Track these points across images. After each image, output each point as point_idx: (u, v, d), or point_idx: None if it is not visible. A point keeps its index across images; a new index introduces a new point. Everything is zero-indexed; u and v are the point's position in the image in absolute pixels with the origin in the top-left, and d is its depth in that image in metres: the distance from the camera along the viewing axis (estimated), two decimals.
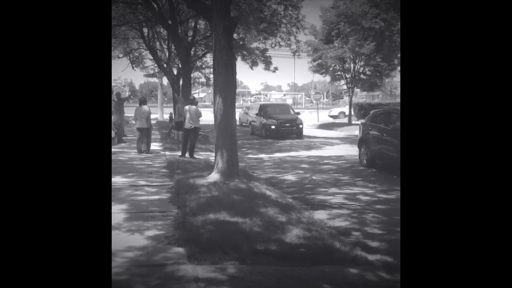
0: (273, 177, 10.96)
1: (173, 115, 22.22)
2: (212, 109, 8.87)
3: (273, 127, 21.55)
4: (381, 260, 5.19)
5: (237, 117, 12.46)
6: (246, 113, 28.54)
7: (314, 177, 11.04)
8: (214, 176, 8.27)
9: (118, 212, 6.32)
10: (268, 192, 7.84)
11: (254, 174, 10.94)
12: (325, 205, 8.04)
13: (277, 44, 21.31)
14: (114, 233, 5.38)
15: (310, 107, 54.08)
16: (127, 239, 5.19)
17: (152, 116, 15.59)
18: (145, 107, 13.86)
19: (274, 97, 74.64)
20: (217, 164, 8.37)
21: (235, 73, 8.33)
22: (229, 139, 8.31)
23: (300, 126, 22.01)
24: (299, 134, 21.92)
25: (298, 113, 24.19)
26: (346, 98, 39.68)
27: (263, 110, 23.09)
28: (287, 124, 21.77)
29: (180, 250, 4.91)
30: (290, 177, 11.15)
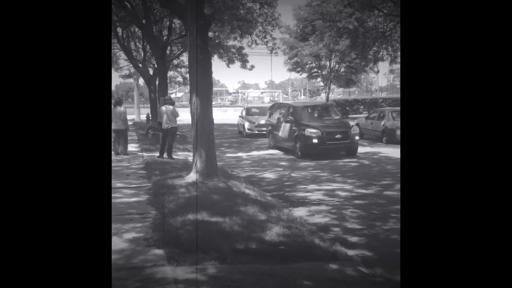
0: (252, 176, 10.96)
1: (150, 115, 22.03)
2: (189, 109, 8.81)
3: (315, 140, 13.64)
4: (360, 254, 5.23)
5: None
6: (246, 117, 21.94)
7: (293, 174, 11.08)
8: (192, 176, 8.22)
9: None
10: (247, 191, 7.83)
11: (233, 173, 10.92)
12: (304, 202, 8.08)
13: (254, 42, 21.30)
14: None
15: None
16: None
17: (129, 117, 15.40)
18: (120, 108, 13.67)
19: (252, 95, 74.68)
20: (195, 164, 8.32)
21: (211, 71, 8.29)
22: (207, 139, 8.27)
23: (356, 138, 14.64)
24: (353, 150, 14.27)
25: (346, 117, 18.76)
26: (323, 95, 39.96)
27: (295, 113, 15.07)
28: (338, 136, 14.05)
29: (159, 252, 4.86)
30: (269, 175, 11.16)
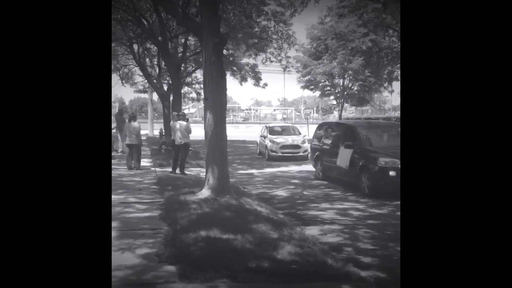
0: (264, 193, 10.93)
1: (163, 131, 22.19)
2: (203, 125, 8.86)
3: (392, 173, 9.75)
4: (374, 276, 5.16)
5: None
6: (270, 137, 19.24)
7: (305, 192, 11.02)
8: (205, 193, 8.22)
9: None
10: (259, 208, 7.80)
11: (245, 189, 10.89)
12: (316, 220, 8.02)
13: (268, 59, 21.45)
14: None
15: (300, 122, 54.27)
16: (117, 257, 5.11)
17: (142, 132, 15.53)
18: (135, 123, 13.80)
19: (264, 112, 74.89)
20: (208, 180, 8.33)
21: (226, 89, 8.34)
22: (220, 155, 8.29)
23: None
24: None
25: None
26: (336, 113, 39.91)
27: (358, 135, 11.49)
28: None
29: (171, 268, 4.84)
30: (281, 192, 11.12)
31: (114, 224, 6.57)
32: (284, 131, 20.37)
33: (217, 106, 8.16)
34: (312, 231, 7.15)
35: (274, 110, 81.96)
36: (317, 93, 32.11)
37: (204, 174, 9.03)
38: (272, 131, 20.09)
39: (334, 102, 32.21)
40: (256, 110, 74.11)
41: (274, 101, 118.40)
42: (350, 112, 56.86)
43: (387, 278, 5.14)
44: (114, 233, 6.10)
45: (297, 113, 71.52)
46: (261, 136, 20.50)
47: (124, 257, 5.17)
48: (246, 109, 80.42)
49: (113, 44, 21.89)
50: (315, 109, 72.22)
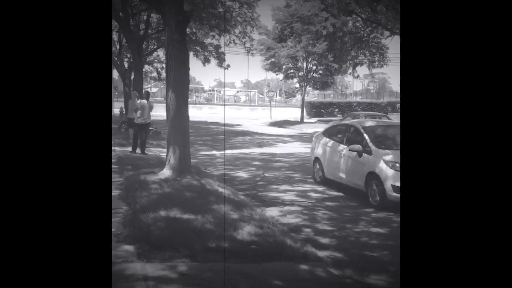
0: (226, 174, 10.92)
1: (123, 109, 21.70)
2: (165, 105, 8.72)
3: None
4: (331, 256, 5.29)
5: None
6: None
7: (266, 174, 11.10)
8: (165, 173, 8.14)
9: None
10: (220, 189, 7.81)
11: (207, 171, 10.87)
12: (277, 202, 8.10)
13: (232, 41, 21.26)
14: None
15: (263, 105, 54.39)
16: None
17: None
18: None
19: (228, 94, 74.51)
20: (169, 160, 8.25)
21: (188, 68, 8.22)
22: (182, 135, 8.21)
23: None
24: None
25: None
26: (299, 97, 40.17)
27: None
28: None
29: (129, 248, 4.79)
30: (242, 174, 11.16)
31: None
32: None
33: (179, 85, 8.05)
34: (272, 212, 7.23)
35: (238, 91, 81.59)
36: (281, 75, 32.18)
37: (165, 154, 8.94)
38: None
39: (297, 85, 32.31)
40: (219, 92, 73.52)
41: (237, 83, 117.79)
42: (313, 96, 57.38)
43: (344, 258, 5.27)
44: None
45: (260, 96, 71.56)
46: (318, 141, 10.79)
47: None
48: (209, 90, 79.68)
49: None
50: (278, 92, 72.41)
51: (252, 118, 38.49)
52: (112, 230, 5.35)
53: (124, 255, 4.58)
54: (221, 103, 57.57)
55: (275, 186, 9.58)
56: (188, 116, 8.40)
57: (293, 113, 38.06)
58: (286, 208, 7.65)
